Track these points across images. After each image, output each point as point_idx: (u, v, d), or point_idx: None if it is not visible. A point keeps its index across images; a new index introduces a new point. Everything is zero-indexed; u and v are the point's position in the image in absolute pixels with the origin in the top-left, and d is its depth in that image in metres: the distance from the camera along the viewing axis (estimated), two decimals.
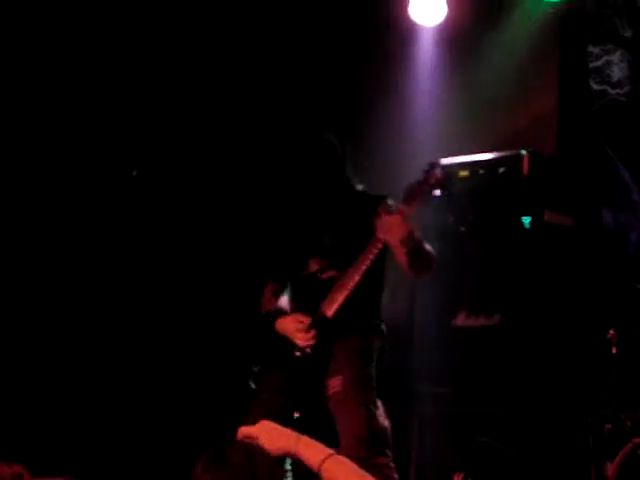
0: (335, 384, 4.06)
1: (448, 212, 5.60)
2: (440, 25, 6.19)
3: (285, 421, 3.46)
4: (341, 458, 2.59)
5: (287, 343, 4.19)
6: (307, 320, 4.15)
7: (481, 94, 6.15)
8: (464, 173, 5.68)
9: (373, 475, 2.50)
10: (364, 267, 4.10)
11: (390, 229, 4.05)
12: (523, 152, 5.57)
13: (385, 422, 4.13)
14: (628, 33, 6.12)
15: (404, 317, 5.70)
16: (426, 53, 6.36)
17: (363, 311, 4.22)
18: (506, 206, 5.54)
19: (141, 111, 5.83)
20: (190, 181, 6.03)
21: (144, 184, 5.71)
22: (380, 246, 4.10)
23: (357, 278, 4.10)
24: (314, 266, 4.27)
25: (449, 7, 6.09)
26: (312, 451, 2.59)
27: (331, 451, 2.59)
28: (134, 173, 5.67)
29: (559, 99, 6.19)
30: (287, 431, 2.64)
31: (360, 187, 4.38)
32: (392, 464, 4.07)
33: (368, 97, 6.39)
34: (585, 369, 5.30)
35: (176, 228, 5.92)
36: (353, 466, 2.59)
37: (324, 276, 4.23)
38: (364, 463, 3.59)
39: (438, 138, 6.11)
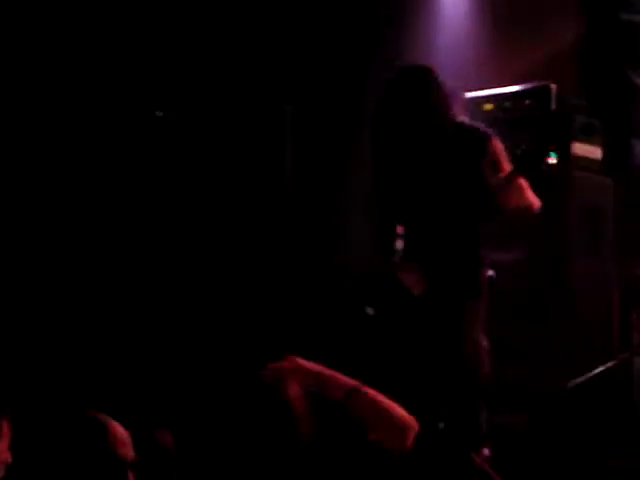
0: None
1: None
2: None
3: None
4: (367, 390, 2.58)
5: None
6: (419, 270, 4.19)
7: (509, 25, 6.04)
8: (489, 106, 5.60)
9: None
10: None
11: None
12: (549, 84, 5.47)
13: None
14: None
15: None
16: None
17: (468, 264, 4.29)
18: (533, 139, 5.45)
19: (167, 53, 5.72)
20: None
21: (169, 126, 5.64)
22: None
23: None
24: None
25: None
26: (338, 384, 2.59)
27: (358, 383, 2.59)
28: (159, 114, 5.59)
29: (583, 31, 6.08)
30: (313, 365, 2.64)
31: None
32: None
33: (392, 31, 6.28)
34: (615, 304, 5.26)
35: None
36: (379, 397, 2.58)
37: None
38: None
39: (464, 72, 6.01)
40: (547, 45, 6.02)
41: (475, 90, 5.71)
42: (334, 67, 5.87)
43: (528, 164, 4.13)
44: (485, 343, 4.27)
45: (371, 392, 2.60)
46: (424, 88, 4.24)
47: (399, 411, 2.59)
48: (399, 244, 4.29)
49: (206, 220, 5.62)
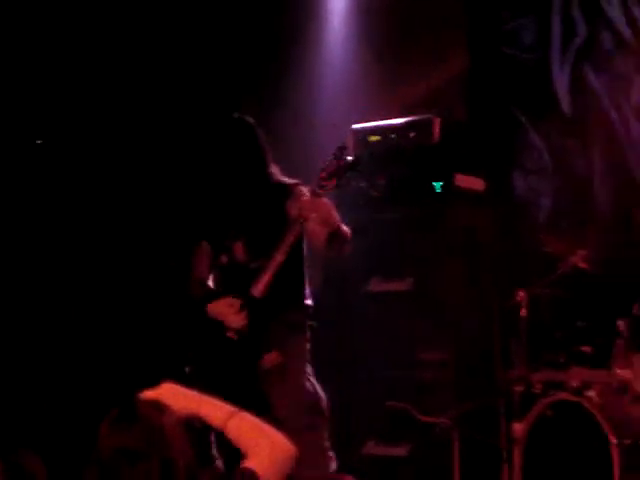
0: (272, 358, 4.12)
1: (360, 177, 5.57)
2: None
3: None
4: (245, 415, 2.56)
5: (219, 326, 4.19)
6: (238, 302, 4.18)
7: (393, 59, 6.14)
8: (375, 138, 5.67)
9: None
10: (286, 248, 4.17)
11: (308, 211, 4.13)
12: (433, 117, 5.57)
13: (321, 392, 4.29)
14: None
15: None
16: (338, 18, 6.32)
17: (290, 290, 4.27)
18: (417, 170, 5.54)
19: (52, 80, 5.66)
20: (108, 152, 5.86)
21: (50, 154, 5.56)
22: (299, 229, 4.15)
23: (280, 259, 4.18)
24: (240, 256, 4.29)
25: None
26: (216, 410, 2.56)
27: (235, 409, 2.56)
28: (38, 142, 5.52)
29: (469, 63, 6.21)
30: (190, 392, 2.60)
31: (279, 176, 4.39)
32: (327, 432, 4.26)
33: (278, 68, 6.30)
34: (495, 331, 5.35)
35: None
36: (258, 422, 2.56)
37: (252, 266, 4.26)
38: (303, 431, 3.88)
39: (351, 104, 6.09)
40: (433, 78, 6.14)
41: (361, 122, 5.79)
42: (212, 105, 5.85)
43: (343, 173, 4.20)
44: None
45: (250, 417, 2.57)
46: (245, 144, 4.33)
47: (279, 437, 2.57)
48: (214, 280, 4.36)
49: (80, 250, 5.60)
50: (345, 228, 4.33)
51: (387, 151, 5.62)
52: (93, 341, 5.57)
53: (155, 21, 5.98)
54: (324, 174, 4.19)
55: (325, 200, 4.21)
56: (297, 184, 4.37)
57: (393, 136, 5.63)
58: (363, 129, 5.73)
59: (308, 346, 4.35)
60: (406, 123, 5.64)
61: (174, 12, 6.03)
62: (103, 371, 5.50)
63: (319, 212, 4.17)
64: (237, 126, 4.39)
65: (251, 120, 4.43)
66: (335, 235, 4.26)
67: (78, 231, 5.63)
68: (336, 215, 4.28)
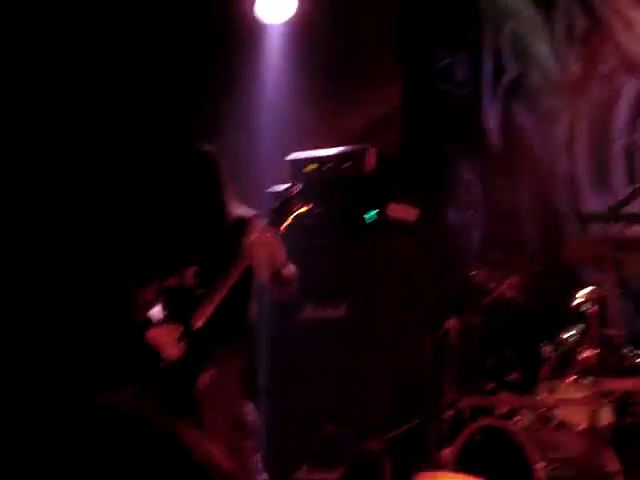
0: (206, 380, 4.14)
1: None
2: (288, 22, 6.25)
3: None
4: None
5: (154, 353, 4.21)
6: (177, 331, 4.20)
7: (331, 91, 6.25)
8: (311, 167, 5.77)
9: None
10: (231, 282, 4.19)
11: (254, 249, 4.15)
12: (368, 147, 5.69)
13: (254, 415, 4.30)
14: (470, 36, 6.34)
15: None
16: (274, 51, 6.40)
17: (232, 321, 4.31)
18: (351, 200, 5.65)
19: None
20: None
21: None
22: (246, 264, 4.19)
23: (223, 293, 4.18)
24: (189, 281, 4.32)
25: (298, 3, 6.17)
26: None
27: None
28: None
29: (403, 98, 6.36)
30: None
31: (237, 207, 4.40)
32: (260, 454, 4.26)
33: (215, 100, 6.35)
34: (427, 358, 5.46)
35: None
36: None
37: (197, 293, 4.28)
38: (236, 452, 3.93)
39: (287, 136, 6.18)
40: (369, 111, 6.27)
41: (298, 151, 5.89)
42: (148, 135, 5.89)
43: (284, 214, 4.25)
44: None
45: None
46: (205, 177, 4.31)
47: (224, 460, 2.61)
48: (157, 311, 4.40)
49: None
50: (290, 270, 4.32)
51: (322, 180, 5.71)
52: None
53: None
54: (275, 213, 4.21)
55: (273, 239, 4.19)
56: (254, 217, 4.35)
57: (328, 166, 5.74)
58: (299, 159, 5.83)
59: (243, 369, 4.38)
60: (341, 153, 5.75)
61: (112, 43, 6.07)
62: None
63: (265, 251, 4.19)
64: (198, 160, 4.35)
65: (212, 151, 4.37)
66: (277, 276, 4.30)
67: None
68: (282, 256, 4.27)
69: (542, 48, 6.04)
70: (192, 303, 4.24)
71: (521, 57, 6.11)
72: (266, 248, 4.17)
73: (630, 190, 5.68)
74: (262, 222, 4.25)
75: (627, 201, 5.42)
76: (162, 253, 4.39)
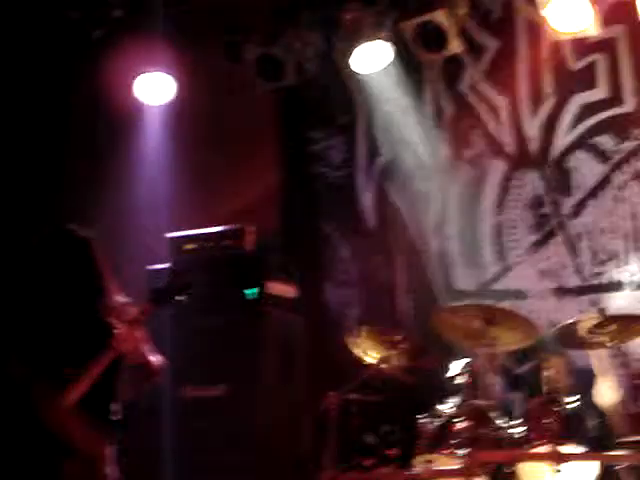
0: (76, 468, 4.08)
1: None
2: (168, 103, 6.33)
3: None
4: None
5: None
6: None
7: (211, 172, 6.34)
8: (191, 246, 5.82)
9: None
10: (97, 371, 4.13)
11: (119, 342, 4.15)
12: (247, 226, 5.79)
13: None
14: (345, 120, 6.55)
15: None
16: (153, 132, 6.47)
17: (97, 410, 4.26)
18: (230, 278, 5.70)
19: None
20: None
21: None
22: (112, 355, 4.17)
23: (85, 385, 4.13)
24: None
25: (178, 86, 6.27)
26: None
27: None
28: None
29: (282, 179, 6.50)
30: None
31: (113, 296, 4.37)
32: None
33: (93, 181, 6.34)
34: (306, 435, 5.50)
35: None
36: None
37: (66, 373, 4.20)
38: None
39: (169, 213, 6.21)
40: (249, 192, 6.36)
41: (177, 230, 5.93)
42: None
43: (163, 298, 4.28)
44: None
45: None
46: (80, 265, 4.23)
47: None
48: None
49: None
50: (154, 363, 4.29)
51: (202, 259, 5.76)
52: None
53: None
54: (155, 294, 4.20)
55: (137, 333, 4.17)
56: (125, 305, 4.35)
57: (208, 244, 5.80)
58: (178, 237, 5.88)
59: (114, 453, 4.29)
60: (220, 232, 5.83)
61: None
62: None
63: (129, 344, 4.20)
64: (73, 247, 4.28)
65: (87, 236, 4.25)
66: (140, 368, 4.31)
67: None
68: (144, 350, 4.24)
69: (413, 132, 6.28)
70: (60, 384, 4.20)
71: (394, 140, 6.34)
72: (130, 341, 4.17)
73: (499, 268, 5.94)
74: (133, 311, 4.23)
75: (496, 278, 5.64)
76: (45, 344, 4.32)
